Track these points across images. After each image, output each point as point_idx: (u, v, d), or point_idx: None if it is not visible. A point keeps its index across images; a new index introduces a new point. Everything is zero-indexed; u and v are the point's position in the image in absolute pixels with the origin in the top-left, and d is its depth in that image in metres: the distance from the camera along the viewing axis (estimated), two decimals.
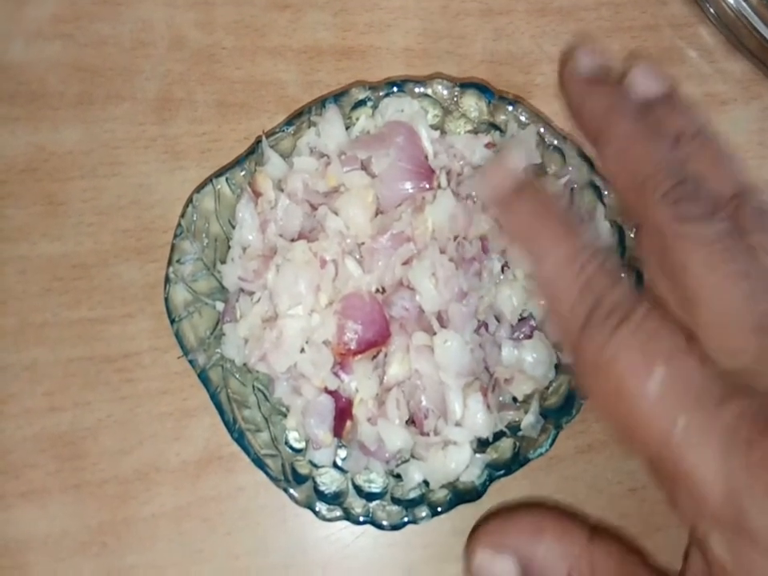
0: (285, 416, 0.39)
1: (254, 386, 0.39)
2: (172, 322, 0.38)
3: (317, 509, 0.37)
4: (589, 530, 0.32)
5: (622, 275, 0.26)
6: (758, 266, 0.26)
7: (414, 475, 0.38)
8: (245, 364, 0.39)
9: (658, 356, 0.24)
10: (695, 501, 0.23)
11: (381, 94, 0.41)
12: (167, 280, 0.39)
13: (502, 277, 0.39)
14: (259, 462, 0.37)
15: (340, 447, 0.39)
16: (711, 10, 0.46)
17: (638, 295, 0.26)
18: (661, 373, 0.24)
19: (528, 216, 0.28)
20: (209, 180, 0.40)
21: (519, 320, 0.39)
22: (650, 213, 0.27)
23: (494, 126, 0.41)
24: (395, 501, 0.38)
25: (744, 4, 0.44)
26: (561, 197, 0.32)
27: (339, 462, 0.39)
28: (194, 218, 0.39)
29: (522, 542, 0.32)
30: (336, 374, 0.37)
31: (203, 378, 0.38)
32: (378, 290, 0.38)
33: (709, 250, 0.25)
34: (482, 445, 0.38)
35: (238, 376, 0.39)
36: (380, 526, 0.37)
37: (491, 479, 0.37)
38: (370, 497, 0.38)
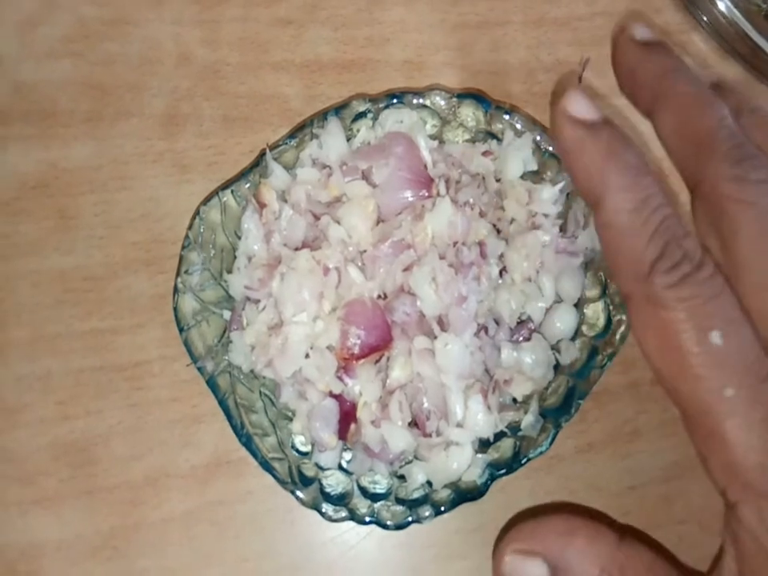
0: (291, 420, 0.40)
1: (260, 392, 0.40)
2: (181, 330, 0.39)
3: (323, 510, 0.38)
4: (618, 532, 0.32)
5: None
6: None
7: (417, 476, 0.38)
8: (251, 370, 0.39)
9: (718, 318, 0.24)
10: (729, 466, 0.24)
11: (381, 105, 0.42)
12: (176, 290, 0.40)
13: (500, 281, 0.39)
14: (267, 466, 0.38)
15: (345, 450, 0.40)
16: (704, 18, 0.47)
17: (705, 251, 0.25)
18: (719, 336, 0.24)
19: (601, 153, 0.26)
20: (215, 192, 0.41)
21: (518, 323, 0.40)
22: (710, 171, 0.26)
23: (491, 135, 0.42)
24: (399, 501, 0.38)
25: (736, 11, 0.44)
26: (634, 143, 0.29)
27: (344, 464, 0.40)
28: (201, 230, 0.40)
29: (553, 544, 0.32)
30: (340, 379, 0.38)
31: (211, 384, 0.39)
32: (379, 296, 0.39)
33: (763, 217, 0.25)
34: (483, 445, 0.39)
35: (245, 382, 0.40)
36: (385, 526, 0.38)
37: (492, 478, 0.38)
38: (374, 497, 0.39)
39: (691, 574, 0.30)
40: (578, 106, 0.27)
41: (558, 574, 0.31)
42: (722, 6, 0.45)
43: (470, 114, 0.42)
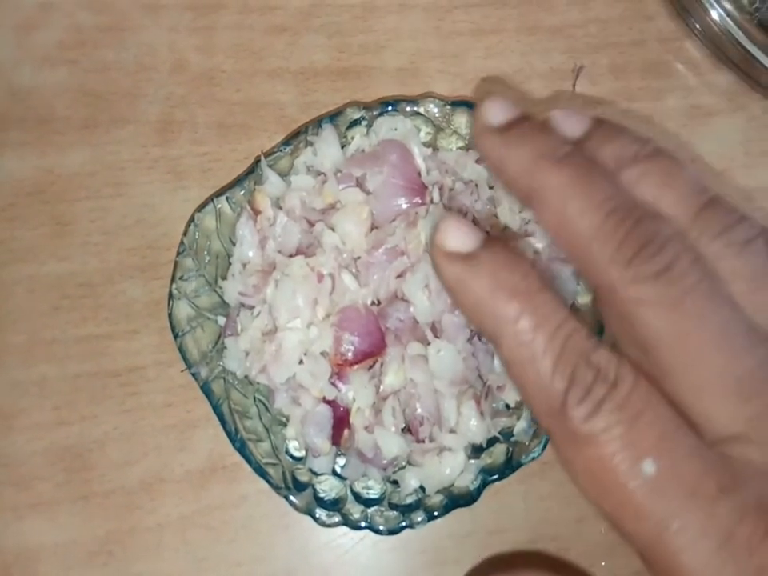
0: (285, 426, 0.40)
1: (254, 398, 0.40)
2: (175, 336, 0.39)
3: (317, 515, 0.38)
4: None
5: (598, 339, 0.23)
6: (735, 315, 0.22)
7: (411, 481, 0.39)
8: (246, 376, 0.40)
9: (647, 442, 0.21)
10: None
11: (375, 113, 0.42)
12: (170, 296, 0.40)
13: None
14: (261, 471, 0.38)
15: (338, 455, 0.40)
16: (697, 26, 0.47)
17: (621, 359, 0.22)
18: (651, 464, 0.21)
19: (485, 289, 0.23)
20: (210, 199, 0.41)
21: None
22: (604, 278, 0.23)
23: None
24: (392, 506, 0.39)
25: (728, 19, 0.45)
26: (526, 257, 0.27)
27: (338, 470, 0.40)
28: (196, 236, 0.40)
29: None
30: (334, 384, 0.38)
31: (206, 390, 0.39)
32: (373, 303, 0.39)
33: (677, 316, 0.22)
34: (475, 450, 0.39)
35: (239, 388, 0.40)
36: (378, 531, 0.38)
37: (485, 484, 0.38)
38: (368, 503, 0.39)
39: None
40: (453, 239, 0.24)
41: None
42: (714, 14, 0.45)
43: (463, 121, 0.42)
